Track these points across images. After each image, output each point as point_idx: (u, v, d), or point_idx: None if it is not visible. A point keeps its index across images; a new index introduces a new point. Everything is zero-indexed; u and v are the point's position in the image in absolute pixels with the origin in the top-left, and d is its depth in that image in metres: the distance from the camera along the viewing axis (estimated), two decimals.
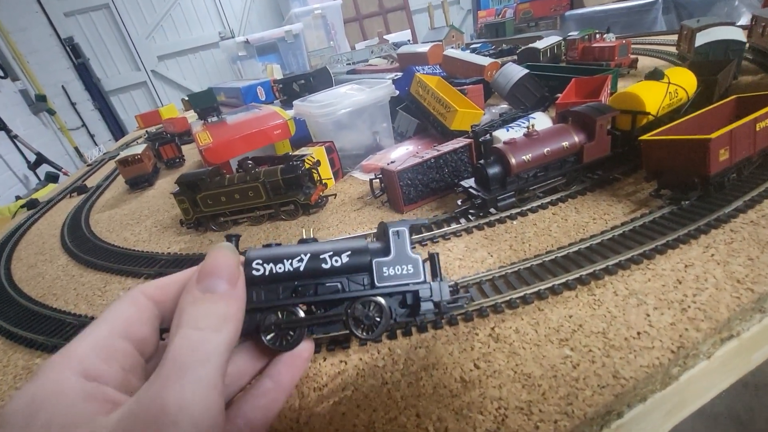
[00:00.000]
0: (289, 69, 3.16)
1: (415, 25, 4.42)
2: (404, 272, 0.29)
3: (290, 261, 0.27)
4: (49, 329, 0.59)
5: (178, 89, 4.61)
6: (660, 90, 0.60)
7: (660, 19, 2.40)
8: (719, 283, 0.39)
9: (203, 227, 0.79)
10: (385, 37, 3.19)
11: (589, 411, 0.31)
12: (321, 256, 0.28)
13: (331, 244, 0.29)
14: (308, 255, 0.28)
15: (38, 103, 4.03)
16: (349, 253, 0.28)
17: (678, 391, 0.36)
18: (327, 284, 0.28)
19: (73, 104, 4.32)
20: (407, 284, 0.29)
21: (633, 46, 1.20)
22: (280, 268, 0.27)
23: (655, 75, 0.62)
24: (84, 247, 0.87)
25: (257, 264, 0.27)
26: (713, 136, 0.45)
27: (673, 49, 1.19)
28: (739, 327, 0.37)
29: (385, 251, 0.29)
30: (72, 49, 4.20)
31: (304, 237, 0.31)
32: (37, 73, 4.13)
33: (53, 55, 4.15)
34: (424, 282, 0.29)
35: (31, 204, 1.44)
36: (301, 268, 0.27)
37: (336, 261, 0.28)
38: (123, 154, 1.23)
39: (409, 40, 2.86)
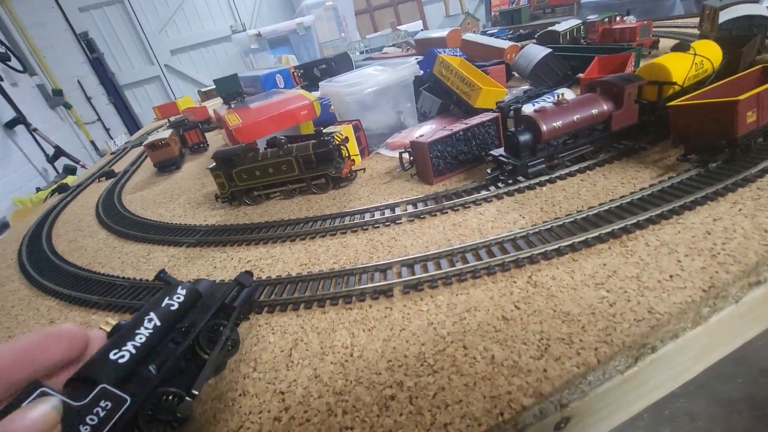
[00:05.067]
0: (302, 61, 3.19)
1: (426, 15, 4.41)
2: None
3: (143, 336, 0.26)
4: (101, 290, 0.63)
5: (191, 83, 4.67)
6: (686, 61, 0.61)
7: (678, 5, 2.38)
8: (747, 233, 0.41)
9: (237, 201, 0.82)
10: (398, 27, 3.19)
11: (627, 340, 0.33)
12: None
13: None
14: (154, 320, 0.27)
15: (55, 98, 4.12)
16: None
17: (707, 332, 0.38)
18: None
19: (88, 98, 4.40)
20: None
21: (654, 28, 1.20)
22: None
23: (682, 47, 0.63)
24: (122, 222, 0.91)
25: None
26: (741, 98, 0.47)
27: (694, 31, 1.19)
28: (767, 273, 0.39)
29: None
30: (87, 44, 4.27)
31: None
32: (53, 67, 4.21)
33: (69, 49, 4.23)
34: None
35: (61, 188, 1.49)
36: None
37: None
38: (150, 138, 1.27)
39: (422, 30, 2.86)
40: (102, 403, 0.23)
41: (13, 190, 3.06)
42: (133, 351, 0.24)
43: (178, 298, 0.28)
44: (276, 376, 0.39)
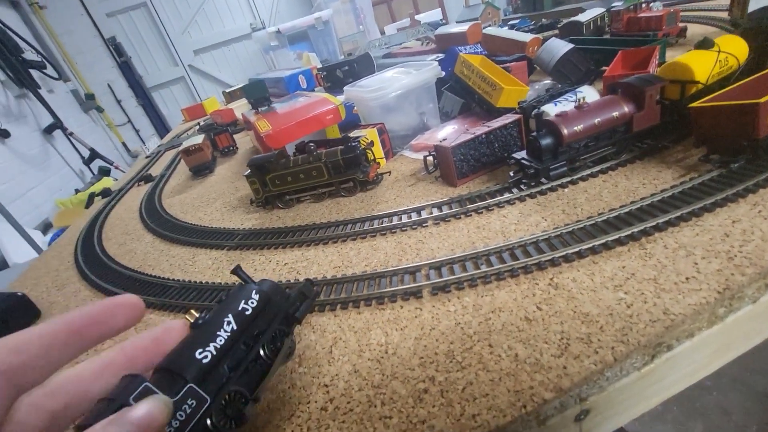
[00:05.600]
0: (321, 56, 3.22)
1: (445, 4, 4.35)
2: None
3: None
4: (155, 292, 0.70)
5: (215, 83, 4.79)
6: (710, 59, 0.61)
7: None
8: (765, 235, 0.42)
9: (270, 205, 0.88)
10: (416, 17, 3.17)
11: (643, 340, 0.36)
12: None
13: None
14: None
15: (87, 102, 4.31)
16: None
17: (724, 331, 0.40)
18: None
19: (118, 101, 4.58)
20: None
21: (681, 13, 1.17)
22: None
23: (705, 44, 0.63)
24: (165, 226, 0.99)
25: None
26: (762, 100, 0.47)
27: (724, 15, 1.16)
28: None
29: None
30: (115, 49, 4.44)
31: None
32: (85, 73, 4.40)
33: (98, 55, 4.40)
34: None
35: (105, 193, 1.60)
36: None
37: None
38: (185, 144, 1.34)
39: (441, 20, 2.84)
40: (189, 401, 0.24)
41: (54, 192, 3.26)
42: (214, 352, 0.27)
43: (252, 303, 0.31)
44: (319, 371, 0.43)
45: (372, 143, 0.84)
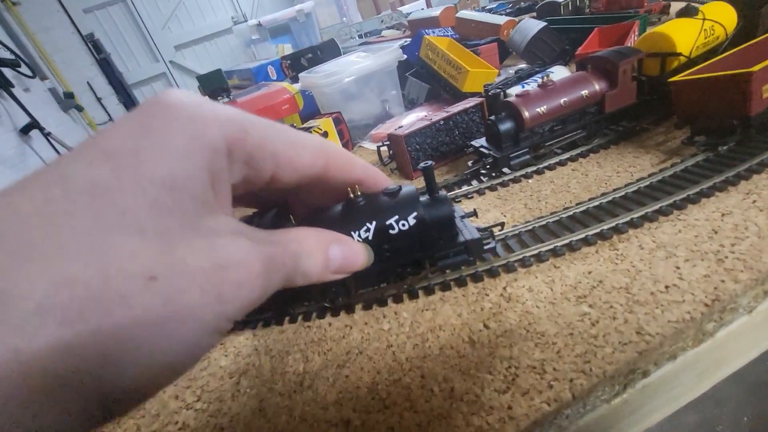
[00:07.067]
0: (302, 48, 3.13)
1: None
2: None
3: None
4: None
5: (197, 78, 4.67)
6: (693, 28, 0.53)
7: None
8: (762, 231, 0.34)
9: None
10: (400, 9, 3.08)
11: (609, 369, 0.28)
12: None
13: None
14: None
15: (67, 101, 4.17)
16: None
17: (714, 348, 0.32)
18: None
19: (99, 99, 4.44)
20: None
21: None
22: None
23: (689, 11, 0.55)
24: None
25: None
26: (755, 69, 0.40)
27: None
28: None
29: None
30: (94, 45, 4.30)
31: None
32: (64, 71, 4.25)
33: (77, 52, 4.26)
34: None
35: None
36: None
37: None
38: None
39: (422, 9, 2.75)
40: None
41: None
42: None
43: (404, 226, 0.24)
44: (219, 408, 0.35)
45: (326, 134, 0.75)
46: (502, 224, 0.42)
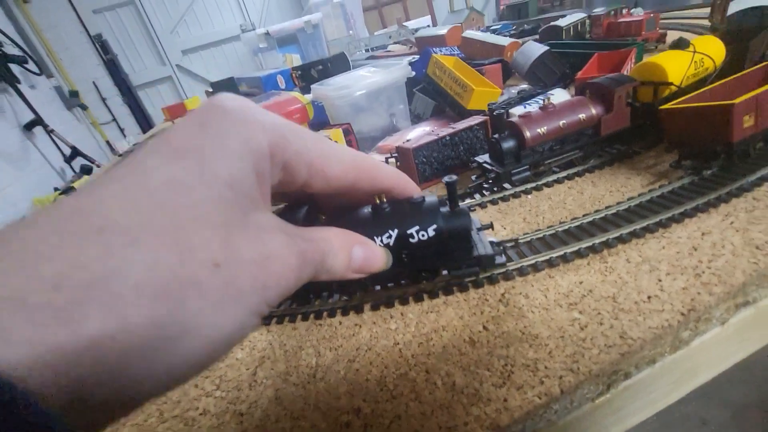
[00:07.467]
0: (309, 59, 3.19)
1: (435, 11, 4.34)
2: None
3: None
4: None
5: (203, 83, 4.70)
6: (684, 59, 0.58)
7: None
8: (736, 250, 0.38)
9: None
10: (404, 24, 3.15)
11: (595, 368, 0.31)
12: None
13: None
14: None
15: (71, 99, 4.21)
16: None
17: (689, 356, 0.36)
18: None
19: (103, 99, 4.48)
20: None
21: (664, 20, 1.15)
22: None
23: (680, 44, 0.60)
24: None
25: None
26: (736, 101, 0.44)
27: (705, 22, 1.14)
28: (755, 293, 0.36)
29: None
30: (101, 46, 4.34)
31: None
32: (70, 69, 4.29)
33: (84, 51, 4.30)
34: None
35: (69, 191, 1.53)
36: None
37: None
38: None
39: (428, 26, 2.82)
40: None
41: (33, 190, 3.15)
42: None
43: (423, 236, 0.26)
44: (238, 395, 0.38)
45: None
46: (516, 240, 0.45)
